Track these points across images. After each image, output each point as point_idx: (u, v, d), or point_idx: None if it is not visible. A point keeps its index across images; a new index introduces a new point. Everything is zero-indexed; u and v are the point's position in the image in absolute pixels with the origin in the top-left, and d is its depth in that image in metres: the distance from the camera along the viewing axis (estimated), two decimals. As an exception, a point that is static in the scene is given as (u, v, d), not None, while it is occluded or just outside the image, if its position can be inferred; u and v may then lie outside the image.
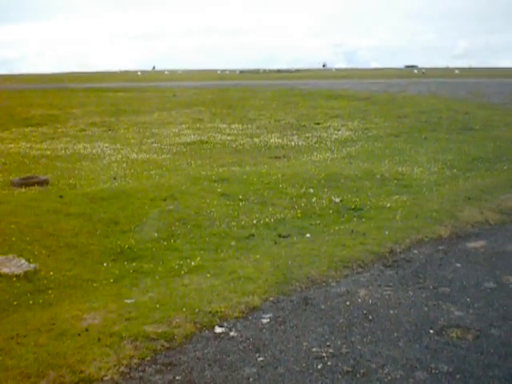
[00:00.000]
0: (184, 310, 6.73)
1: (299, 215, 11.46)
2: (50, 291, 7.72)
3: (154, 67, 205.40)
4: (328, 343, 6.04)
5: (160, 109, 37.73)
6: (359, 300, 7.19)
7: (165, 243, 9.69)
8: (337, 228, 10.63)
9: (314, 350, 5.92)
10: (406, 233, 9.99)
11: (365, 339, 6.11)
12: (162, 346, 5.98)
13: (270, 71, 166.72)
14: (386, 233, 9.97)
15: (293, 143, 22.58)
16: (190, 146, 22.19)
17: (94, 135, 25.98)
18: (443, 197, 12.62)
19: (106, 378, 5.38)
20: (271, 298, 7.24)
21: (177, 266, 8.50)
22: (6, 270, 8.18)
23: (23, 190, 13.77)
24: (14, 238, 9.51)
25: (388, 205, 12.09)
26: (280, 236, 10.15)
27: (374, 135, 24.45)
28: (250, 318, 6.69)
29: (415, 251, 9.17)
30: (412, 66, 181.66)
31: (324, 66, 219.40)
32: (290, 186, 13.55)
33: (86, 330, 6.24)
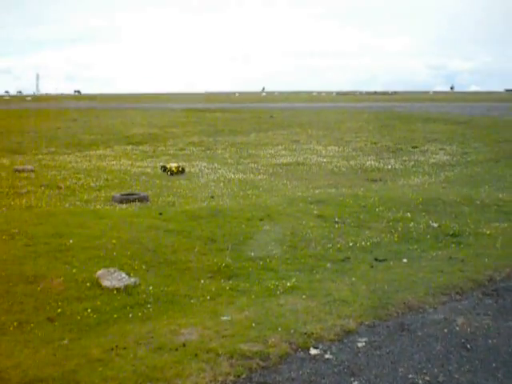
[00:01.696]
0: (279, 329, 6.75)
1: (396, 239, 11.31)
2: (148, 305, 7.88)
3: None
4: (424, 371, 5.93)
5: (257, 130, 38.14)
6: (457, 328, 7.02)
7: (261, 263, 9.75)
8: (434, 254, 10.43)
9: (409, 376, 5.82)
10: (507, 261, 9.69)
11: (462, 368, 5.97)
12: (258, 364, 6.01)
13: (367, 93, 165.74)
14: (486, 260, 9.72)
15: (389, 166, 22.37)
16: (286, 166, 22.33)
17: (193, 154, 26.52)
18: (547, 225, 12.21)
19: (202, 394, 5.46)
20: (367, 322, 7.16)
21: (272, 286, 8.52)
22: (107, 283, 8.41)
23: (124, 205, 14.20)
24: (115, 253, 9.79)
25: (488, 231, 11.77)
26: (376, 260, 10.04)
27: (473, 160, 23.94)
28: (346, 341, 6.64)
29: (516, 280, 8.89)
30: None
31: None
32: (386, 209, 13.40)
33: (184, 345, 6.35)
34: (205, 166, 22.19)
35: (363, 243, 10.95)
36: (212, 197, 15.71)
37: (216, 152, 27.46)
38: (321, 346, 6.45)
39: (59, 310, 7.62)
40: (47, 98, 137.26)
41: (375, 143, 30.16)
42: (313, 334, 6.70)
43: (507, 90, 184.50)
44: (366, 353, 6.34)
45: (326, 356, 6.23)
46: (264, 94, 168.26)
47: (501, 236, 11.34)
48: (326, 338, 6.65)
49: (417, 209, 13.50)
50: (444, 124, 39.91)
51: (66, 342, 6.68)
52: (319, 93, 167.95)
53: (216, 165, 22.68)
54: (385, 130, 36.88)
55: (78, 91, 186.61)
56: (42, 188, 17.18)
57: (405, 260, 10.03)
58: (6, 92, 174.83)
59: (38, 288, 8.33)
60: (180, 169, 20.54)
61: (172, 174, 20.11)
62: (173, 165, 20.76)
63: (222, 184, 18.02)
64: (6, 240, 10.47)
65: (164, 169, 20.68)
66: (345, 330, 6.88)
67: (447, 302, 7.98)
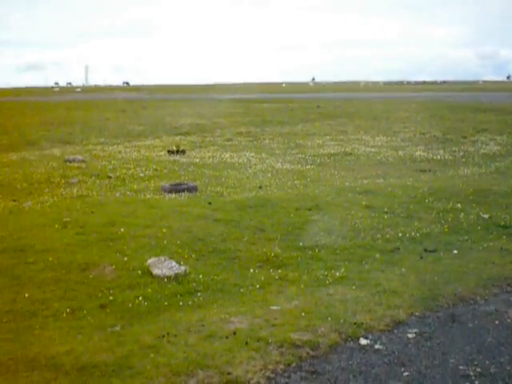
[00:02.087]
0: (329, 319, 6.76)
1: (446, 230, 11.19)
2: (199, 294, 7.96)
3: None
4: (475, 362, 5.88)
5: (304, 120, 38.05)
6: (508, 320, 6.96)
7: (310, 252, 9.75)
8: (485, 245, 10.29)
9: (460, 368, 5.79)
10: (561, 253, 9.54)
11: (514, 360, 5.91)
12: (307, 353, 6.03)
13: (415, 83, 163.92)
14: (539, 252, 9.57)
15: (439, 157, 22.10)
16: (333, 157, 22.22)
17: (240, 145, 26.57)
18: None
19: (252, 382, 5.49)
20: (417, 313, 7.13)
21: (321, 276, 8.53)
22: (157, 272, 8.52)
23: (173, 195, 14.32)
24: (165, 241, 9.91)
25: (541, 223, 11.57)
26: (426, 251, 9.96)
27: (524, 150, 23.50)
28: (396, 331, 6.62)
29: None
30: None
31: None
32: (436, 200, 13.26)
33: (234, 333, 6.41)
34: (252, 156, 22.22)
35: (413, 234, 10.86)
36: (260, 187, 15.74)
37: (263, 142, 27.48)
38: (371, 337, 6.45)
39: (111, 298, 7.75)
40: (96, 89, 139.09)
41: (424, 133, 29.82)
42: (362, 324, 6.70)
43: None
44: (416, 344, 6.32)
45: (376, 346, 6.23)
46: (311, 84, 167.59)
47: (555, 228, 11.14)
48: (375, 328, 6.65)
49: (467, 200, 13.33)
50: (494, 114, 39.26)
51: (118, 328, 6.80)
52: (366, 83, 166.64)
53: (263, 155, 22.70)
54: (434, 120, 36.42)
55: (127, 82, 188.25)
56: (93, 178, 17.44)
57: (455, 251, 9.93)
58: (56, 84, 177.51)
59: (91, 276, 8.49)
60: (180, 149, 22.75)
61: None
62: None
63: (269, 174, 18.03)
64: (58, 229, 10.69)
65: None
66: (395, 320, 6.87)
67: (498, 293, 7.90)
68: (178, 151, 23.02)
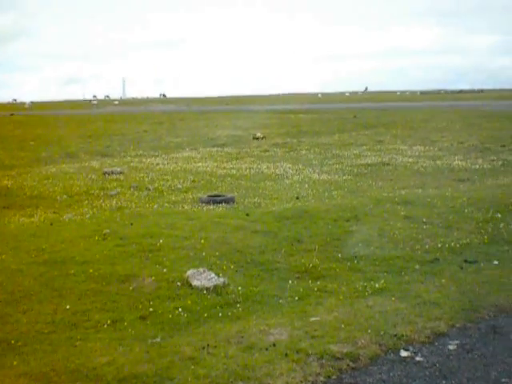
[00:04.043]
0: (369, 331, 6.74)
1: (486, 241, 11.05)
2: (238, 305, 7.98)
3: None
4: (518, 375, 5.82)
5: (340, 130, 37.98)
6: (552, 332, 6.86)
7: (348, 264, 9.72)
8: (526, 256, 10.17)
9: (503, 380, 5.75)
10: None
11: (558, 373, 5.83)
12: (348, 365, 6.02)
13: (452, 92, 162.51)
14: None
15: (477, 166, 21.87)
16: (370, 167, 22.12)
17: (277, 156, 26.60)
18: None
19: (292, 393, 5.50)
20: (458, 325, 7.06)
21: (360, 288, 8.50)
22: (196, 283, 8.57)
23: (211, 206, 14.41)
24: (204, 253, 9.96)
25: None
26: (466, 261, 9.85)
27: None
28: (436, 343, 6.57)
29: None
30: None
31: None
32: (475, 210, 13.11)
33: (274, 344, 6.42)
34: (289, 167, 22.23)
35: (452, 244, 10.76)
36: (297, 198, 15.75)
37: (300, 153, 27.47)
38: (411, 349, 6.41)
39: (151, 309, 7.82)
40: (133, 101, 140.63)
41: (462, 142, 29.54)
42: (403, 335, 6.66)
43: None
44: (457, 356, 6.26)
45: (417, 358, 6.19)
46: (347, 94, 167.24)
47: None
48: (416, 340, 6.60)
49: (507, 209, 13.14)
50: (534, 122, 38.80)
51: (158, 339, 6.86)
52: (403, 92, 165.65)
53: (300, 166, 22.68)
54: (471, 128, 36.09)
55: (164, 94, 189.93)
56: (131, 189, 17.63)
57: (495, 262, 9.81)
58: (94, 97, 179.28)
59: (130, 287, 8.57)
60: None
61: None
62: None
63: (306, 185, 18.02)
64: (98, 240, 10.81)
65: None
66: (435, 332, 6.82)
67: (541, 305, 7.77)
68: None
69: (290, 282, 8.92)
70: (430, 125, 39.77)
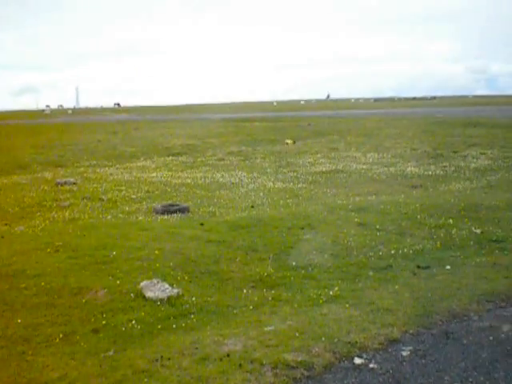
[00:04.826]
0: (323, 339, 6.73)
1: (438, 246, 11.20)
2: (192, 316, 7.92)
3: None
4: (470, 379, 5.86)
5: (295, 138, 38.11)
6: (503, 335, 6.92)
7: (303, 272, 9.74)
8: (478, 260, 10.30)
9: (456, 385, 5.77)
10: (553, 267, 9.55)
11: (509, 376, 5.88)
12: (302, 374, 5.99)
13: (406, 99, 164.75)
14: (531, 266, 9.58)
15: (430, 172, 22.17)
16: (325, 175, 22.26)
17: (232, 164, 26.62)
18: None
19: (247, 404, 5.47)
20: (411, 331, 7.09)
21: (315, 295, 8.51)
22: (150, 294, 8.48)
23: (165, 216, 14.31)
24: (157, 264, 9.87)
25: (532, 237, 11.58)
26: (419, 267, 9.95)
27: (515, 164, 23.61)
28: (390, 350, 6.59)
29: (563, 285, 8.74)
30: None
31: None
32: (428, 216, 13.27)
33: (228, 355, 6.37)
34: (244, 176, 22.25)
35: (405, 251, 10.87)
36: (252, 206, 15.75)
37: (255, 161, 27.53)
38: (365, 356, 6.42)
39: (104, 322, 7.70)
40: (87, 111, 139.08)
41: (415, 149, 29.93)
42: (357, 343, 6.66)
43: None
44: (410, 361, 6.29)
45: (371, 365, 6.20)
46: (302, 102, 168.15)
47: (547, 241, 11.16)
48: (370, 347, 6.61)
49: (459, 215, 13.34)
50: (484, 128, 39.48)
51: (111, 353, 6.76)
52: (357, 100, 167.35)
53: (255, 174, 22.73)
54: (424, 135, 36.58)
55: (118, 104, 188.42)
56: (85, 200, 17.41)
57: (448, 267, 9.93)
58: (47, 106, 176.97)
59: (83, 300, 8.44)
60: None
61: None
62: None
63: (261, 193, 18.04)
64: (50, 253, 10.64)
65: None
66: (389, 338, 6.83)
67: (492, 309, 7.87)
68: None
69: (245, 291, 8.90)
70: (383, 132, 40.20)
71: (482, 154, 27.25)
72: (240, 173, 23.15)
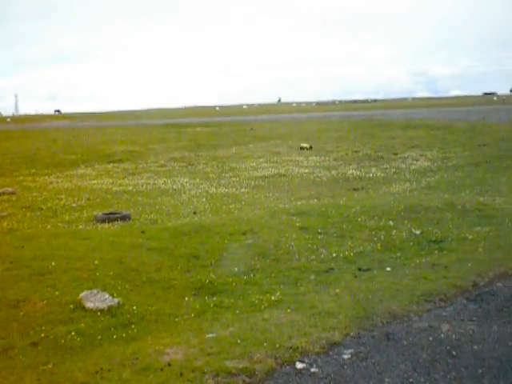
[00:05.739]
0: (265, 345, 6.72)
1: (379, 248, 11.33)
2: (133, 326, 7.83)
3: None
4: (411, 380, 5.93)
5: (238, 143, 38.20)
6: (442, 335, 7.02)
7: (245, 277, 9.73)
8: (418, 261, 10.45)
9: (396, 386, 5.83)
10: (489, 265, 9.72)
11: (448, 376, 5.97)
12: (243, 381, 5.97)
13: (346, 102, 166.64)
14: (469, 265, 9.74)
15: (371, 175, 22.46)
16: (267, 179, 22.34)
17: (174, 170, 26.51)
18: (528, 228, 12.27)
19: (188, 414, 5.42)
20: (352, 334, 7.14)
21: (257, 301, 8.51)
22: (90, 305, 8.36)
23: (106, 225, 14.14)
24: (97, 273, 9.72)
25: (470, 236, 11.80)
26: (360, 269, 10.05)
27: (453, 165, 24.12)
28: (331, 353, 6.62)
29: (499, 284, 8.91)
30: (491, 94, 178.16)
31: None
32: (368, 218, 13.42)
33: (169, 364, 6.31)
34: (187, 182, 22.18)
35: (346, 253, 10.96)
36: (194, 212, 15.68)
37: (198, 167, 27.46)
38: (306, 360, 6.43)
39: (43, 334, 7.55)
40: (27, 118, 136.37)
41: (356, 152, 30.30)
42: (298, 347, 6.67)
43: (485, 94, 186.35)
44: (351, 364, 6.33)
45: (312, 369, 6.21)
46: (245, 106, 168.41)
47: (483, 240, 11.38)
48: (311, 351, 6.63)
49: (399, 216, 13.52)
50: (424, 130, 40.19)
51: (50, 366, 6.63)
52: (299, 104, 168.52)
53: (198, 180, 22.68)
54: (365, 138, 37.07)
55: (58, 110, 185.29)
56: (23, 210, 17.08)
57: (388, 268, 10.05)
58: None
59: (21, 312, 8.25)
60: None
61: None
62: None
63: (204, 199, 18.00)
64: (-13, 265, 10.38)
65: None
66: (330, 342, 6.86)
67: (432, 309, 7.98)
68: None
69: (187, 298, 8.85)
70: (325, 135, 40.57)
71: (421, 155, 27.75)
72: (182, 179, 23.07)
